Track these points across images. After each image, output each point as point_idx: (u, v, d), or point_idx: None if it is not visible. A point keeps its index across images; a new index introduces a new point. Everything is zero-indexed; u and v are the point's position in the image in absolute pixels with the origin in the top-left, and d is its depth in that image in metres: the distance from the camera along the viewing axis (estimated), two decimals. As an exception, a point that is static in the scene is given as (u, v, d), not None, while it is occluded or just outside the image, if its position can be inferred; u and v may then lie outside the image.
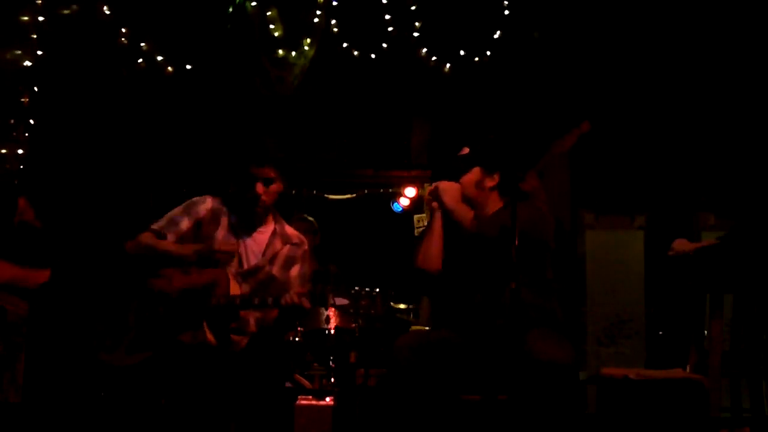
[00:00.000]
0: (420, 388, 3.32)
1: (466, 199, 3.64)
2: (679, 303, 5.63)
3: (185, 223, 3.63)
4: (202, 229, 3.65)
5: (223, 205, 3.71)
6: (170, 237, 3.60)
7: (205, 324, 3.49)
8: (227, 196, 3.73)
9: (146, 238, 3.61)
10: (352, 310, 3.52)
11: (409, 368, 3.33)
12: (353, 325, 5.07)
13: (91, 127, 5.86)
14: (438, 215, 3.71)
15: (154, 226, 3.64)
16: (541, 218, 3.56)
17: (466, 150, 3.69)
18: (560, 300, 3.58)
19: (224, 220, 3.68)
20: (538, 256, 3.50)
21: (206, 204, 3.68)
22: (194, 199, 3.71)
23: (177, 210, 3.68)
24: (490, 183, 3.64)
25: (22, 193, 4.19)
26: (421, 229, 3.78)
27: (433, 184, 3.74)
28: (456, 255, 3.65)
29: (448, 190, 3.66)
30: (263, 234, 3.76)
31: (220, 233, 3.66)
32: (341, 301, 3.53)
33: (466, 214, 3.58)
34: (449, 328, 3.55)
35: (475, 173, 3.65)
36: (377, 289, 3.54)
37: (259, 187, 3.60)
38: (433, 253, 3.68)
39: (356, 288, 3.57)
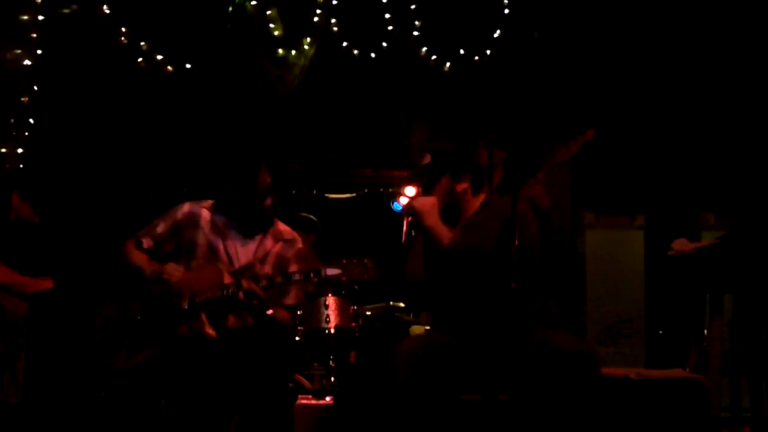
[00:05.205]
0: (422, 395, 3.29)
1: (444, 208, 3.60)
2: (679, 303, 5.64)
3: (161, 227, 3.72)
4: (183, 232, 3.70)
5: (203, 208, 3.74)
6: (148, 240, 3.70)
7: (204, 316, 3.50)
8: (224, 198, 3.74)
9: (128, 244, 3.72)
10: (344, 279, 3.52)
11: (411, 375, 3.31)
12: (353, 324, 5.07)
13: (90, 126, 5.86)
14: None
15: (139, 233, 3.73)
16: (522, 221, 3.47)
17: (428, 158, 3.65)
18: (556, 300, 3.56)
19: (204, 223, 3.71)
20: (526, 258, 3.43)
21: (183, 209, 3.75)
22: (174, 206, 3.79)
23: (159, 217, 3.78)
24: (460, 187, 3.59)
25: (14, 189, 4.17)
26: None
27: (408, 201, 3.71)
28: (445, 266, 3.60)
29: (424, 207, 3.58)
30: (254, 233, 3.77)
31: (202, 236, 3.69)
32: (333, 270, 3.52)
33: (441, 234, 3.50)
34: (450, 333, 3.52)
35: (444, 181, 3.59)
36: (366, 258, 3.56)
37: (269, 200, 3.69)
38: (418, 265, 3.64)
39: (345, 259, 3.57)
